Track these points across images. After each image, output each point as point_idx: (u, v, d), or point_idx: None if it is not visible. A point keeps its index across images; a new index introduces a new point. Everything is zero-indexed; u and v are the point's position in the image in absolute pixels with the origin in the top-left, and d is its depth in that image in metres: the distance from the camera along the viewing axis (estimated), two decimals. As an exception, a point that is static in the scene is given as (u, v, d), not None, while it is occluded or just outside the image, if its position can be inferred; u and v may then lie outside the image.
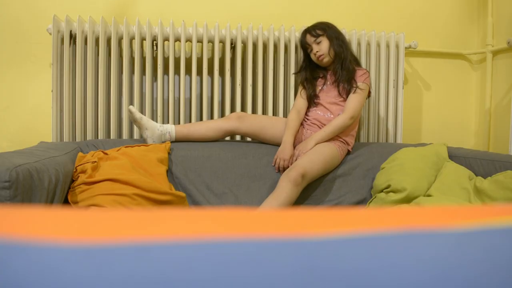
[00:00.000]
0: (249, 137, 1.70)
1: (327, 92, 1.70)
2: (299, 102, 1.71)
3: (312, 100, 1.70)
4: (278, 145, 1.65)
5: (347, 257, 0.20)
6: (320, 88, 1.72)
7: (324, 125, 1.65)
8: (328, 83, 1.72)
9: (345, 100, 1.66)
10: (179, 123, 1.81)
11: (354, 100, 1.63)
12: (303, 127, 1.70)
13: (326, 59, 1.65)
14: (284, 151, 1.57)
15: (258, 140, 1.69)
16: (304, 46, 1.71)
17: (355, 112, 1.62)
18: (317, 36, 1.66)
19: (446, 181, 1.46)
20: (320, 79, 1.73)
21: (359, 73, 1.67)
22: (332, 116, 1.66)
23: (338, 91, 1.67)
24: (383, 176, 1.54)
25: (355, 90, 1.63)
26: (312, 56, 1.69)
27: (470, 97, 2.24)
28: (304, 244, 0.21)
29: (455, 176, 1.47)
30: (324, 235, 0.22)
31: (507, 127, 1.97)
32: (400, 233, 0.23)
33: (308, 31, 1.69)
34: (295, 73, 1.82)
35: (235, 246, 0.20)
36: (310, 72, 1.73)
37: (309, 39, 1.67)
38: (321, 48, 1.65)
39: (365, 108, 1.92)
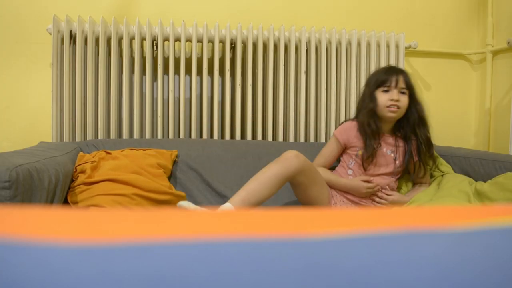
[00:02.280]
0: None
1: (380, 161, 1.44)
2: (328, 155, 1.49)
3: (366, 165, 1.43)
4: (311, 205, 1.37)
5: (347, 257, 0.20)
6: (369, 153, 1.42)
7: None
8: (384, 149, 1.45)
9: (395, 177, 1.47)
10: (179, 124, 1.81)
11: (426, 168, 1.50)
12: (332, 197, 1.43)
13: (396, 115, 1.39)
14: (360, 188, 1.40)
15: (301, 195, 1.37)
16: (385, 81, 1.40)
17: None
18: (409, 87, 1.41)
19: (447, 187, 1.46)
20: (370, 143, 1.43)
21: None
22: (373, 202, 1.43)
23: (407, 169, 1.47)
24: None
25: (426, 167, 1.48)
26: (382, 98, 1.39)
27: (470, 97, 2.24)
28: (304, 244, 0.21)
29: (454, 182, 1.47)
30: (324, 235, 0.22)
31: (507, 127, 1.97)
32: (400, 233, 0.23)
33: (402, 72, 1.43)
34: (358, 111, 1.50)
35: (235, 246, 0.20)
36: (372, 120, 1.41)
37: (401, 82, 1.40)
38: (402, 99, 1.39)
39: (365, 108, 1.91)
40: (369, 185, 1.40)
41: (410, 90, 1.42)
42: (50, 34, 1.65)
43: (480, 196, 1.37)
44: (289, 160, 1.22)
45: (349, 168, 1.47)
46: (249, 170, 1.59)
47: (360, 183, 1.40)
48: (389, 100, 1.37)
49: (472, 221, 0.25)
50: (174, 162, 1.56)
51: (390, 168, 1.45)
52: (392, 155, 1.45)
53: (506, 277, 0.19)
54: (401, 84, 1.40)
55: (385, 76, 1.41)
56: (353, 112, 1.87)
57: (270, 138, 1.83)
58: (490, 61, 2.12)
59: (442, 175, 1.57)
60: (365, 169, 1.43)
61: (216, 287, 0.17)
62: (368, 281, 0.18)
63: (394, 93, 1.38)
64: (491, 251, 0.21)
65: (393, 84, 1.39)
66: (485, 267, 0.19)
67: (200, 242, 0.20)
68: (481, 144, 2.18)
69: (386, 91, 1.40)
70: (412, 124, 1.43)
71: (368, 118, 1.41)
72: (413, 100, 1.43)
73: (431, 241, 0.22)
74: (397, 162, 1.45)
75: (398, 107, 1.38)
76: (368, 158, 1.41)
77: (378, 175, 1.44)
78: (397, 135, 1.46)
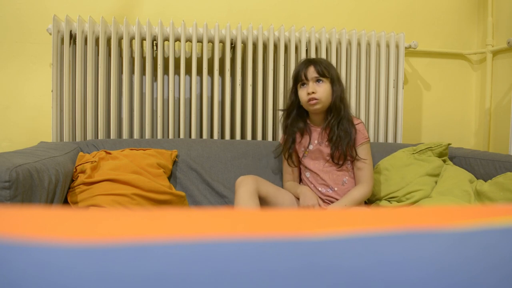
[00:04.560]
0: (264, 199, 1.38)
1: (318, 154, 1.42)
2: (289, 170, 1.49)
3: (292, 162, 1.46)
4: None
5: (347, 257, 0.20)
6: (304, 149, 1.44)
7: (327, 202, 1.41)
8: (316, 142, 1.42)
9: (339, 167, 1.40)
10: (179, 123, 1.81)
11: (366, 166, 1.39)
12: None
13: (318, 106, 1.35)
14: (311, 198, 1.36)
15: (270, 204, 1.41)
16: (298, 76, 1.39)
17: (373, 178, 1.41)
18: (322, 75, 1.35)
19: (447, 184, 1.46)
20: (304, 138, 1.44)
21: (359, 136, 1.39)
22: (335, 189, 1.41)
23: (332, 157, 1.38)
24: (385, 187, 1.53)
25: (358, 155, 1.38)
26: (301, 94, 1.38)
27: (470, 97, 2.24)
28: (304, 244, 0.21)
29: (456, 179, 1.47)
30: (324, 235, 0.22)
31: (507, 127, 1.97)
32: (400, 233, 0.23)
33: (314, 62, 1.38)
34: (283, 110, 1.53)
35: (235, 246, 0.20)
36: (296, 118, 1.43)
37: (312, 72, 1.36)
38: (319, 90, 1.34)
39: (365, 108, 1.92)
40: (308, 204, 1.35)
41: (329, 80, 1.37)
42: (50, 34, 1.65)
43: (480, 196, 1.37)
44: (244, 181, 1.30)
45: (306, 171, 1.47)
46: (249, 170, 1.59)
47: (304, 198, 1.37)
48: (307, 95, 1.35)
49: (472, 221, 0.25)
50: (174, 162, 1.56)
51: (331, 164, 1.40)
52: (322, 146, 1.41)
53: (506, 277, 0.19)
54: (313, 74, 1.36)
55: (297, 70, 1.40)
56: (353, 110, 1.87)
57: (270, 138, 1.83)
58: (490, 61, 2.12)
59: (443, 161, 1.58)
60: (299, 167, 1.48)
61: (216, 287, 0.17)
62: (368, 281, 0.18)
63: (309, 86, 1.35)
64: (491, 251, 0.21)
65: (304, 76, 1.37)
66: (485, 267, 0.19)
67: (200, 242, 0.20)
68: (481, 144, 2.18)
69: (303, 84, 1.38)
70: (334, 112, 1.37)
71: (287, 117, 1.45)
72: (334, 88, 1.37)
73: (431, 241, 0.22)
74: (335, 157, 1.39)
75: (317, 98, 1.34)
76: (287, 158, 1.45)
77: (328, 171, 1.41)
78: (325, 126, 1.40)
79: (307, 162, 1.45)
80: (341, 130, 1.36)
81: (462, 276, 0.19)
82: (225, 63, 1.79)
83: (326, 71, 1.36)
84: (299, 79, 1.39)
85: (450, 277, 0.19)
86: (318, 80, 1.36)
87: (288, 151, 1.45)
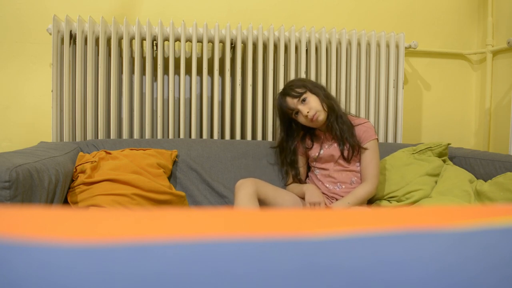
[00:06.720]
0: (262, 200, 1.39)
1: (329, 157, 1.47)
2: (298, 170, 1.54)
3: (299, 181, 1.51)
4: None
5: (347, 257, 0.20)
6: (317, 155, 1.48)
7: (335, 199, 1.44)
8: (326, 146, 1.48)
9: (348, 163, 1.44)
10: (179, 123, 1.81)
11: (372, 164, 1.41)
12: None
13: (322, 116, 1.40)
14: (317, 196, 1.38)
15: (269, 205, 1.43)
16: (285, 112, 1.44)
17: (378, 178, 1.43)
18: (300, 94, 1.39)
19: (447, 184, 1.46)
20: (314, 146, 1.50)
21: (361, 129, 1.45)
22: (343, 187, 1.44)
23: (343, 155, 1.43)
24: (385, 187, 1.53)
25: (365, 151, 1.42)
26: (302, 120, 1.42)
27: (470, 97, 2.24)
28: (304, 244, 0.21)
29: (456, 179, 1.47)
30: (324, 235, 0.22)
31: (507, 127, 1.97)
32: (400, 233, 0.23)
33: (285, 93, 1.43)
34: (274, 147, 1.63)
35: (235, 246, 0.20)
36: (303, 138, 1.50)
37: (291, 101, 1.41)
38: (311, 106, 1.39)
39: (365, 108, 1.92)
40: (314, 201, 1.37)
41: (308, 91, 1.41)
42: (50, 34, 1.65)
43: (480, 196, 1.37)
44: (244, 184, 1.32)
45: (315, 169, 1.53)
46: (249, 170, 1.59)
47: (310, 194, 1.39)
48: (305, 118, 1.40)
49: (472, 221, 0.25)
50: (174, 162, 1.56)
51: (343, 160, 1.44)
52: (332, 149, 1.46)
53: (506, 277, 0.19)
54: (293, 101, 1.41)
55: (279, 108, 1.46)
56: (353, 110, 1.87)
57: (270, 138, 1.83)
58: (490, 61, 2.12)
59: (443, 161, 1.58)
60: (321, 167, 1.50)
61: (216, 287, 0.17)
62: (368, 281, 0.18)
63: (301, 110, 1.40)
64: (491, 251, 0.21)
65: (290, 109, 1.42)
66: (485, 267, 0.19)
67: (200, 242, 0.20)
68: (481, 144, 2.18)
69: (296, 113, 1.43)
70: (330, 111, 1.43)
71: (281, 153, 1.55)
72: (318, 93, 1.43)
73: (431, 241, 0.22)
74: (345, 153, 1.43)
75: (314, 113, 1.38)
76: (296, 176, 1.52)
77: (340, 170, 1.45)
78: (325, 127, 1.47)
79: (318, 164, 1.51)
80: (341, 123, 1.43)
81: (462, 276, 0.19)
82: (225, 63, 1.79)
83: (299, 88, 1.41)
84: (287, 113, 1.44)
85: (450, 277, 0.19)
86: (302, 100, 1.40)
87: (297, 177, 1.52)
